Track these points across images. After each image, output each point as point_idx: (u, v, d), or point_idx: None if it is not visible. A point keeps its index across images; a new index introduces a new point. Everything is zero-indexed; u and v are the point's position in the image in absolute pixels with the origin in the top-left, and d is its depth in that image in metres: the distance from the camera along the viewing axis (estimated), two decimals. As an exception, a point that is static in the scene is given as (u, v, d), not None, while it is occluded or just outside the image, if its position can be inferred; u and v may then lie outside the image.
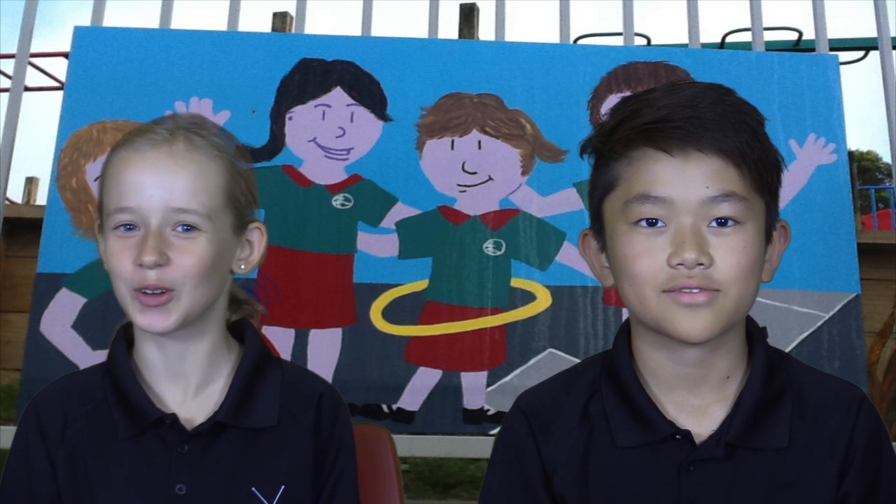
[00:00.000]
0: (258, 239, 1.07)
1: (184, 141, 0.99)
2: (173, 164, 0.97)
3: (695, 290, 0.87)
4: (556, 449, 0.95)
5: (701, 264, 0.86)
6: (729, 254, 0.87)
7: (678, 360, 0.93)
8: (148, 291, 0.96)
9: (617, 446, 0.93)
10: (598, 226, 0.97)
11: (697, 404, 0.93)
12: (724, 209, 0.87)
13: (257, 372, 1.04)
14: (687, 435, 0.91)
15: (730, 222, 0.87)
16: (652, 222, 0.88)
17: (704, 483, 0.90)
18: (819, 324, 2.04)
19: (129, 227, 0.97)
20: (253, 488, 0.99)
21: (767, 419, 0.92)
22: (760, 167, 0.89)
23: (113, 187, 0.98)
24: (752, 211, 0.89)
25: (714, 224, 0.87)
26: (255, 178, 1.08)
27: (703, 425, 0.92)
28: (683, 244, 0.86)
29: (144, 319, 0.96)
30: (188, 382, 1.02)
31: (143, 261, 0.94)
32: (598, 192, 0.95)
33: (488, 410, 1.98)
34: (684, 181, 0.87)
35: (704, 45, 2.84)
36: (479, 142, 2.13)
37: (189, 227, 0.97)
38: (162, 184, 0.96)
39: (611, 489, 0.92)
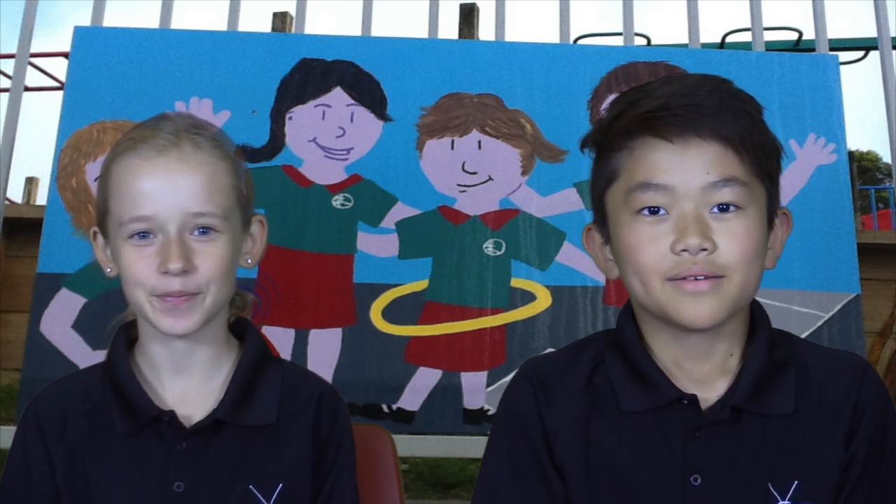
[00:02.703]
0: (259, 231, 1.08)
1: (190, 144, 0.99)
2: (185, 169, 0.97)
3: (699, 278, 0.87)
4: (559, 415, 0.95)
5: (704, 250, 0.86)
6: (732, 239, 0.87)
7: (682, 344, 0.93)
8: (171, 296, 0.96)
9: (621, 411, 0.93)
10: (601, 219, 0.97)
11: (701, 379, 0.94)
12: (726, 194, 0.88)
13: (257, 370, 1.04)
14: (693, 400, 0.91)
15: (731, 208, 0.88)
16: (654, 210, 0.89)
17: (709, 450, 0.90)
18: (819, 324, 2.04)
19: (144, 235, 0.96)
20: (250, 486, 0.99)
21: (772, 385, 0.92)
22: (760, 152, 0.90)
23: (124, 196, 0.97)
24: (752, 196, 0.89)
25: (716, 210, 0.88)
26: (252, 175, 1.08)
27: (708, 393, 0.92)
28: (686, 230, 0.87)
29: (167, 322, 0.96)
30: (191, 380, 1.02)
31: (168, 268, 0.94)
32: (599, 185, 0.96)
33: (488, 410, 1.98)
34: (685, 168, 0.88)
35: (704, 45, 2.84)
36: (479, 142, 2.13)
37: (206, 230, 0.97)
38: (177, 189, 0.96)
39: (612, 457, 0.92)
